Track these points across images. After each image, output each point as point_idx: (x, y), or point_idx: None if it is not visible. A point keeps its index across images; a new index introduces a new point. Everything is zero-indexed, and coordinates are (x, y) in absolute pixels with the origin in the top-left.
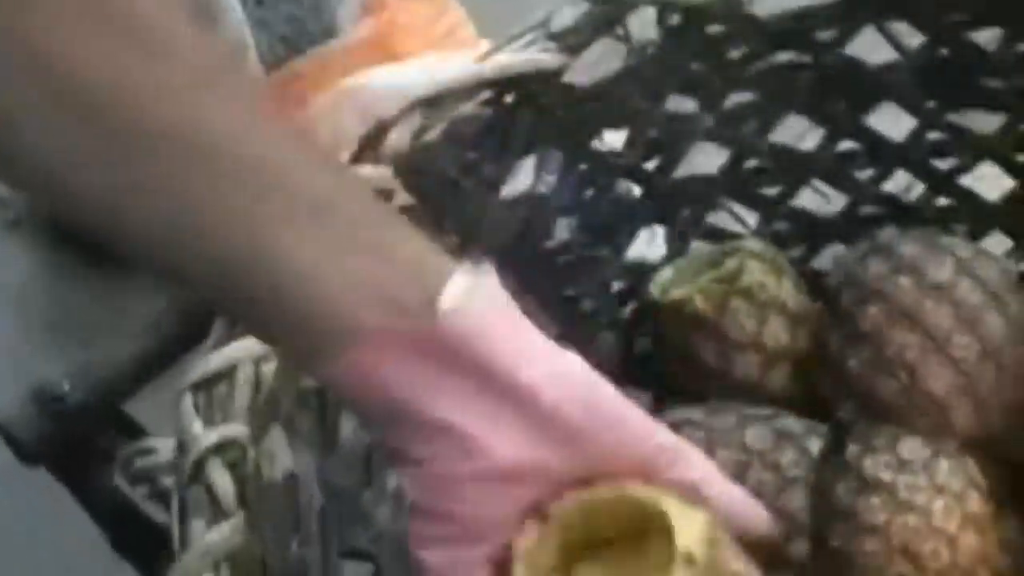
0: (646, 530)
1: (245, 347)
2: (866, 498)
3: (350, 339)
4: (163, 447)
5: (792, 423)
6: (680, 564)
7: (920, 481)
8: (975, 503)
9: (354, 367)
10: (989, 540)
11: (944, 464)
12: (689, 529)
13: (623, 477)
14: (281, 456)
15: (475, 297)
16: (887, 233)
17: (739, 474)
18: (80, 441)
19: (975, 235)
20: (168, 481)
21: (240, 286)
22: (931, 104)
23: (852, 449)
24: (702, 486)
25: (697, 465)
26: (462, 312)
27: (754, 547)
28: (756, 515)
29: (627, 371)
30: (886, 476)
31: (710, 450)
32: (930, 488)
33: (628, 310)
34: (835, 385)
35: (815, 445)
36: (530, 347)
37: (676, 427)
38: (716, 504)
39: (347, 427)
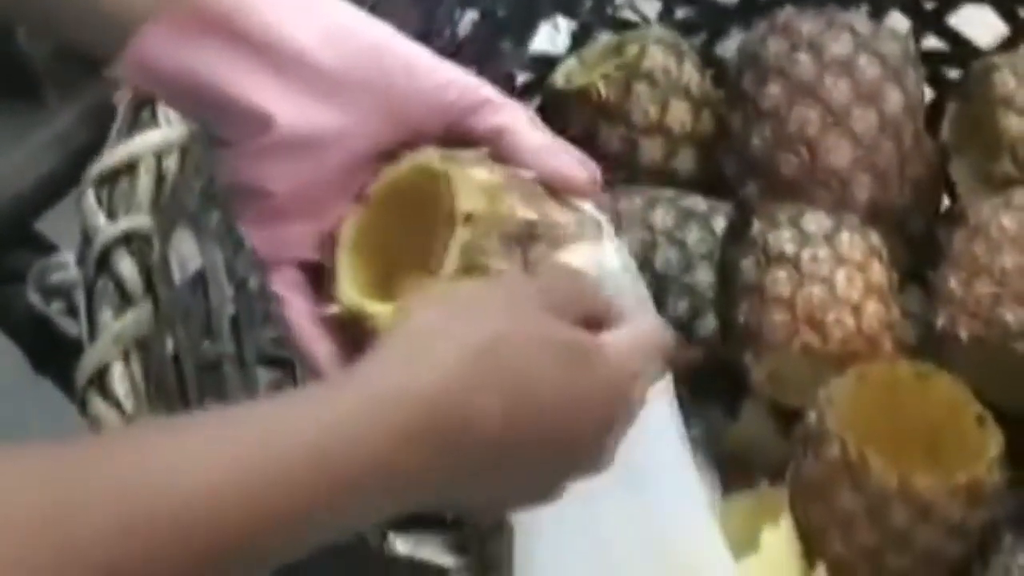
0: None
1: (146, 140)
2: (771, 272)
3: (131, 29)
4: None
5: (697, 202)
6: (460, 225)
7: (822, 253)
8: (877, 272)
9: (140, 56)
10: (892, 309)
11: (846, 236)
12: (467, 188)
13: (424, 141)
14: (188, 253)
15: None
16: (786, 12)
17: (646, 253)
18: None
19: (875, 14)
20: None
21: None
22: None
23: (756, 226)
24: (508, 131)
25: (504, 110)
26: None
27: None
28: (574, 162)
29: None
30: (790, 250)
31: (617, 231)
32: (833, 259)
33: (534, 103)
34: (738, 165)
35: (720, 223)
36: (304, 10)
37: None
38: (525, 150)
39: None
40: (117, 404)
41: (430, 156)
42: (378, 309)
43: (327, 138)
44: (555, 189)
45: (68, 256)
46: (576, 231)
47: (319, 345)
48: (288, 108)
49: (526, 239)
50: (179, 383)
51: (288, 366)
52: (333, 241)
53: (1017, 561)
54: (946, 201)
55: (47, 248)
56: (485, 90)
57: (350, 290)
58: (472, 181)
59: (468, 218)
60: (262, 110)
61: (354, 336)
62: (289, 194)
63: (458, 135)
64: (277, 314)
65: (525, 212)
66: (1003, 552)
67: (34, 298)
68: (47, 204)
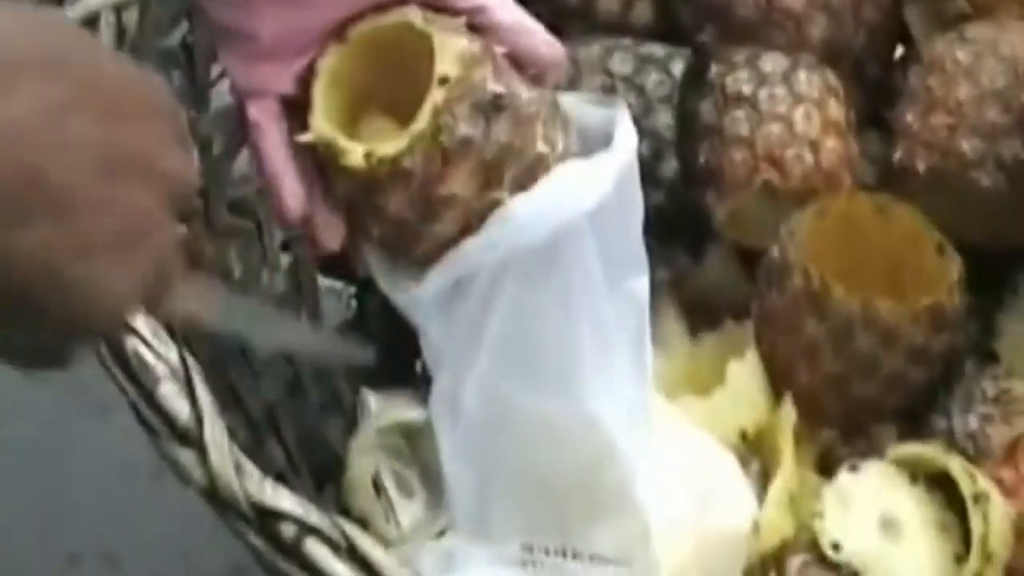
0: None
1: None
2: (730, 112)
3: None
4: None
5: (655, 48)
6: (435, 85)
7: (780, 92)
8: (834, 109)
9: None
10: (850, 145)
11: (803, 74)
12: (447, 53)
13: (412, 5)
14: None
15: None
16: None
17: None
18: None
19: None
20: None
21: None
22: None
23: (714, 69)
24: (488, 10)
25: None
26: None
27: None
28: (544, 42)
29: None
30: (747, 90)
31: (577, 79)
32: (790, 97)
33: None
34: (695, 11)
35: (678, 68)
36: None
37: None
38: (500, 27)
39: (219, 88)
40: None
41: (415, 15)
42: (347, 145)
43: None
44: (523, 65)
45: None
46: (536, 109)
47: (286, 177)
48: None
49: (491, 110)
50: None
51: (255, 229)
52: (312, 74)
53: (980, 386)
54: (900, 51)
55: None
56: None
57: (323, 122)
58: (452, 47)
59: (443, 81)
60: None
61: (322, 166)
62: (276, 38)
63: (437, 8)
64: (252, 143)
65: (495, 85)
66: (966, 378)
67: None
68: None
